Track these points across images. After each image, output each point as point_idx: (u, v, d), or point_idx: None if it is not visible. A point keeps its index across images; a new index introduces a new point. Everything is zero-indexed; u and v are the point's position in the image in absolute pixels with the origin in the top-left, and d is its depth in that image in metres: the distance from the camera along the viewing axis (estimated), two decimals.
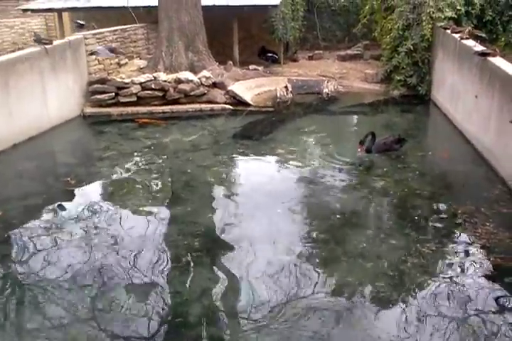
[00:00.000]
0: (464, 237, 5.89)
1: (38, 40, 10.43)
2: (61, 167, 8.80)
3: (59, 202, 6.96)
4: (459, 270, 5.20)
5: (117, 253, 5.60)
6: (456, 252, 5.56)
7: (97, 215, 6.56)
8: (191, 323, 4.47)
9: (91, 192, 7.47)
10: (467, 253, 5.51)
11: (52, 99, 10.41)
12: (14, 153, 8.97)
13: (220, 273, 5.27)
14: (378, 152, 8.40)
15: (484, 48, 9.05)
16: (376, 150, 8.37)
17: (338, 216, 6.42)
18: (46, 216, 6.62)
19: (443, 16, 12.23)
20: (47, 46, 10.31)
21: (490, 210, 6.43)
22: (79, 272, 5.23)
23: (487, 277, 5.05)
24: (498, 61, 8.16)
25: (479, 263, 5.30)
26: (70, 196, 7.22)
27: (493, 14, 12.83)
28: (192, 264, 5.40)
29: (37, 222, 6.41)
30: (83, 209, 6.75)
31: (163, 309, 4.66)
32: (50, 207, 6.85)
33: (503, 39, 12.80)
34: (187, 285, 5.01)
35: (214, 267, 5.41)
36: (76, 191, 7.39)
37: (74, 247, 5.74)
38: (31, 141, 9.56)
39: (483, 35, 10.68)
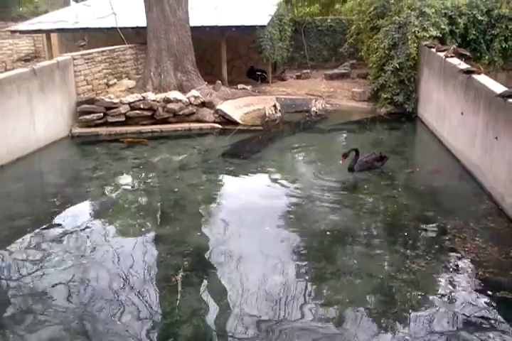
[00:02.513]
0: (453, 252, 5.89)
1: (20, 58, 10.51)
2: (49, 188, 8.72)
3: (49, 223, 6.91)
4: (449, 285, 5.19)
5: (105, 274, 5.52)
6: (446, 267, 5.56)
7: (85, 236, 6.49)
8: None
9: (78, 212, 7.39)
10: (457, 268, 5.51)
11: (40, 119, 10.39)
12: (1, 175, 8.90)
13: (210, 293, 5.21)
14: (360, 170, 8.50)
15: (469, 66, 9.20)
16: (358, 169, 8.48)
17: (327, 233, 6.40)
18: (33, 237, 6.52)
19: (428, 35, 12.47)
20: (34, 66, 10.33)
21: (478, 225, 6.47)
22: (66, 293, 5.14)
23: (478, 292, 5.05)
24: (483, 79, 8.29)
25: (469, 278, 5.30)
26: (57, 217, 7.14)
27: (476, 33, 13.10)
28: (181, 284, 5.33)
29: (24, 244, 6.32)
30: (71, 229, 6.68)
31: (153, 330, 4.58)
32: (37, 228, 6.76)
33: (486, 57, 13.06)
34: (177, 306, 4.93)
35: (204, 287, 5.35)
36: (63, 212, 7.31)
37: (61, 268, 5.65)
38: (19, 161, 9.51)
39: (468, 53, 10.87)
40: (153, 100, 11.93)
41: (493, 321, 4.58)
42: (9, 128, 9.40)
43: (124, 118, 11.70)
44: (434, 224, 6.66)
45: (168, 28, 13.20)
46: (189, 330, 4.55)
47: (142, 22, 13.89)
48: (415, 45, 12.52)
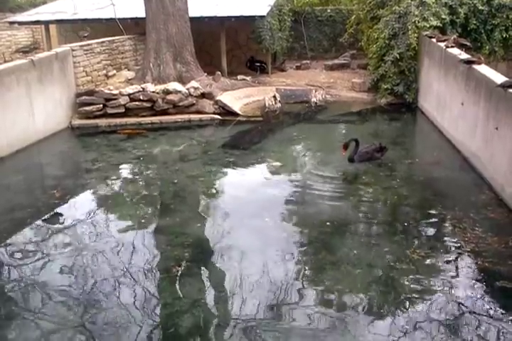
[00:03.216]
0: (453, 242, 5.90)
1: (18, 50, 10.56)
2: (49, 179, 8.72)
3: (49, 214, 6.93)
4: (448, 275, 5.21)
5: (106, 265, 5.54)
6: (445, 257, 5.57)
7: (85, 227, 6.50)
8: (182, 334, 4.43)
9: (78, 204, 7.40)
10: (456, 258, 5.53)
11: (39, 111, 10.36)
12: (1, 167, 8.90)
13: (211, 284, 5.23)
14: (361, 161, 8.49)
15: (469, 56, 9.16)
16: (359, 160, 8.47)
17: (327, 223, 6.41)
18: (33, 229, 6.54)
19: (428, 25, 12.40)
20: (33, 58, 10.30)
21: (478, 215, 6.49)
22: (67, 284, 5.16)
23: (477, 281, 5.07)
24: (483, 69, 8.25)
25: (468, 268, 5.32)
26: (57, 208, 7.14)
27: (477, 23, 13.00)
28: (182, 275, 5.35)
29: (24, 235, 6.34)
30: (71, 221, 6.70)
31: (153, 320, 4.61)
32: (37, 220, 6.77)
33: (487, 47, 12.98)
34: (177, 297, 4.96)
35: (204, 278, 5.38)
36: (63, 203, 7.32)
37: (62, 260, 5.67)
38: (19, 153, 9.50)
39: (468, 43, 10.80)
40: (153, 91, 11.90)
41: (492, 310, 4.61)
42: (8, 120, 9.38)
43: (123, 110, 11.68)
44: (434, 215, 6.67)
45: (167, 19, 13.13)
46: (190, 321, 4.58)
47: (141, 12, 13.81)
48: (415, 35, 12.44)
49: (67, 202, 7.39)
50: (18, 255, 5.83)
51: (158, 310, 4.77)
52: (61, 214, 6.98)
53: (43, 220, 6.77)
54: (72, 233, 6.35)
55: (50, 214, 6.94)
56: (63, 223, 6.66)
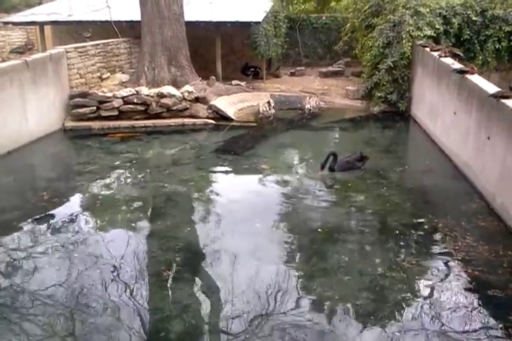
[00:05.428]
0: (444, 250, 5.93)
1: (12, 51, 10.52)
2: (40, 181, 8.65)
3: (38, 216, 6.87)
4: (439, 283, 5.22)
5: (96, 269, 5.50)
6: (436, 265, 5.59)
7: (75, 230, 6.46)
8: (172, 340, 4.40)
9: (68, 206, 7.34)
10: (447, 267, 5.55)
11: (32, 112, 10.30)
12: None
13: (201, 289, 5.22)
14: (341, 170, 8.43)
15: (462, 66, 9.23)
16: (339, 169, 8.41)
17: (319, 230, 6.42)
18: (22, 231, 6.48)
19: (422, 35, 12.50)
20: (27, 59, 10.26)
21: (469, 224, 6.52)
22: (56, 288, 5.12)
23: (467, 290, 5.09)
24: (476, 79, 8.32)
25: (459, 276, 5.34)
26: (46, 211, 7.07)
27: (470, 33, 13.11)
28: (173, 279, 5.33)
29: (12, 237, 6.28)
30: (60, 224, 6.64)
31: (144, 325, 4.58)
32: (26, 222, 6.71)
33: (480, 58, 13.08)
34: (168, 301, 4.93)
35: (195, 282, 5.36)
36: (53, 206, 7.26)
37: (51, 263, 5.62)
38: (10, 154, 9.44)
39: (461, 53, 10.89)
40: (147, 95, 11.88)
41: (481, 318, 4.62)
42: (1, 120, 9.31)
43: (117, 113, 11.64)
44: (425, 223, 6.69)
45: (162, 23, 13.14)
46: (180, 326, 4.55)
47: (136, 16, 13.80)
48: (409, 44, 12.53)
49: (57, 205, 7.33)
50: (6, 257, 5.76)
51: (148, 315, 4.73)
52: (51, 217, 6.90)
53: (32, 222, 6.69)
54: (61, 236, 6.28)
55: (38, 217, 6.86)
56: (53, 226, 6.59)
